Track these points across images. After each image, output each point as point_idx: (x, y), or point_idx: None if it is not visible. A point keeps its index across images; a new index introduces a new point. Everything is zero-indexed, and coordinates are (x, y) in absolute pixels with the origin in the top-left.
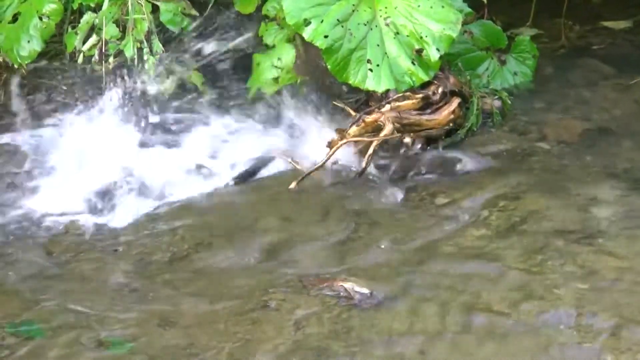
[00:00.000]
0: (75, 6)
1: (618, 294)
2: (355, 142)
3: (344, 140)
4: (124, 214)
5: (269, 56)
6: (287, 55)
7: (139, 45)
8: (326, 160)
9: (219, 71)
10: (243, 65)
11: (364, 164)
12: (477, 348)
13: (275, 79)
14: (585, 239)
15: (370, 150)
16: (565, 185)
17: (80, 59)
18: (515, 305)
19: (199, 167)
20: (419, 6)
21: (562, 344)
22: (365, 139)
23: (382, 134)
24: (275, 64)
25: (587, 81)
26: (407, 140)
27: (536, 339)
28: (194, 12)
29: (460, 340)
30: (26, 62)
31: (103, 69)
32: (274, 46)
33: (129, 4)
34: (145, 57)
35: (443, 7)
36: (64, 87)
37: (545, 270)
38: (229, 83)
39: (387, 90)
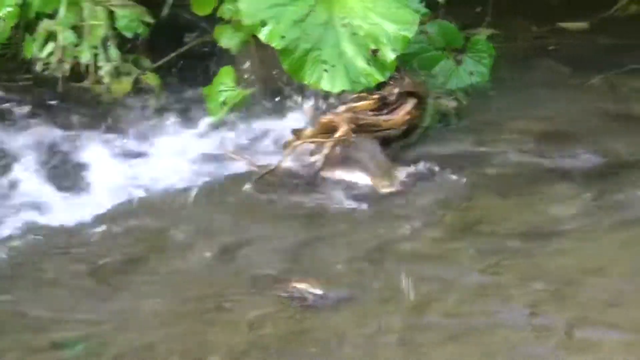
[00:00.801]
0: (31, 15)
1: (573, 294)
2: (312, 142)
3: (300, 141)
4: (79, 215)
5: (214, 84)
6: (229, 76)
7: (94, 50)
8: (281, 161)
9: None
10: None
11: (319, 165)
12: (432, 349)
13: (223, 102)
14: (541, 239)
15: (325, 151)
16: (521, 186)
17: (39, 66)
18: (471, 306)
19: (154, 168)
20: (375, 7)
21: (516, 344)
22: (320, 139)
23: (337, 134)
24: (220, 88)
25: (544, 82)
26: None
27: (491, 339)
28: (149, 19)
29: (415, 342)
30: None
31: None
32: (215, 75)
33: (85, 10)
34: (100, 63)
35: (399, 7)
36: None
37: (500, 271)
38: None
39: (343, 91)
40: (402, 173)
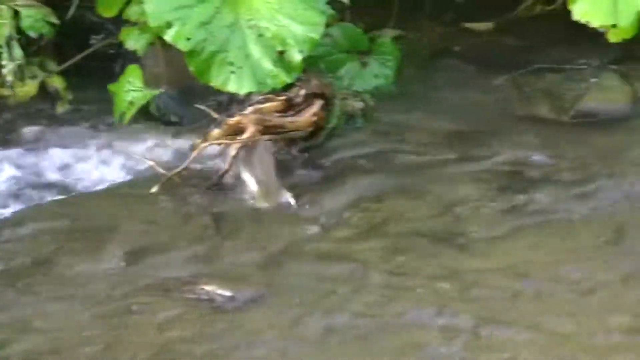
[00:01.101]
0: None
1: (479, 294)
2: (219, 144)
3: (206, 143)
4: None
5: (120, 83)
6: (136, 75)
7: None
8: (188, 163)
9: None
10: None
11: (226, 166)
12: (340, 349)
13: (131, 103)
14: (447, 240)
15: (232, 153)
16: (428, 187)
17: None
18: (378, 306)
19: (61, 171)
20: (281, 8)
21: (424, 344)
22: (227, 141)
23: (244, 136)
24: (127, 87)
25: (450, 82)
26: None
27: (398, 339)
28: (53, 19)
29: (323, 342)
30: None
31: None
32: (124, 68)
33: None
34: (4, 63)
35: (306, 9)
36: None
37: (407, 271)
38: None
39: (250, 93)
40: (309, 174)
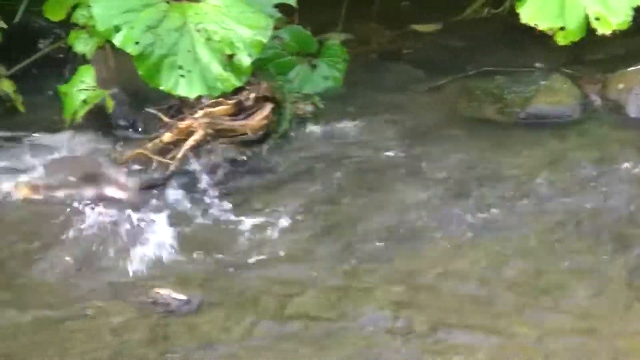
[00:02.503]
0: None
1: (434, 296)
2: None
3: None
4: None
5: (72, 83)
6: (88, 75)
7: None
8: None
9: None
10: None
11: (172, 168)
12: (294, 353)
13: (84, 101)
14: (401, 242)
15: (179, 155)
16: (380, 189)
17: None
18: (332, 309)
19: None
20: (229, 12)
21: (379, 346)
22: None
23: (192, 138)
24: (80, 87)
25: (398, 85)
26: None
27: (353, 342)
28: (1, 23)
29: (277, 345)
30: None
31: None
32: (73, 72)
33: None
34: None
35: (253, 12)
36: None
37: (361, 274)
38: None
39: (200, 97)
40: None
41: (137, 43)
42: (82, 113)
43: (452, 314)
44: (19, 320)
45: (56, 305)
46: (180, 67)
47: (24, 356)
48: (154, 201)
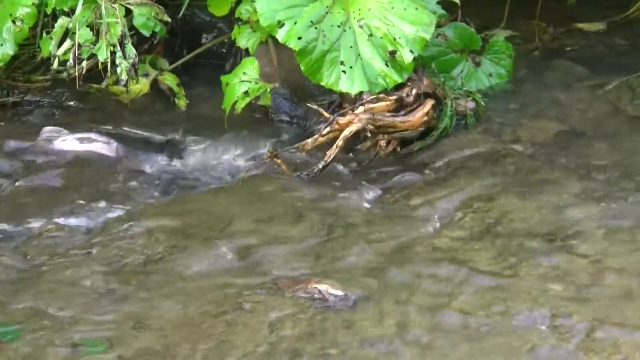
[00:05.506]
0: (49, 11)
1: (593, 295)
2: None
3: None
4: (98, 216)
5: (234, 73)
6: (252, 67)
7: (112, 49)
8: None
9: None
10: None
11: (327, 160)
12: (451, 349)
13: (245, 92)
14: (559, 240)
15: (339, 143)
16: (539, 187)
17: (55, 64)
18: (488, 306)
19: (170, 169)
20: (392, 8)
21: (536, 344)
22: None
23: (348, 129)
24: (242, 78)
25: (561, 83)
26: (382, 142)
27: (509, 339)
28: (166, 17)
29: (434, 342)
30: None
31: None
32: (237, 64)
33: (102, 7)
34: (117, 61)
35: (417, 9)
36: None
37: (519, 273)
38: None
39: (361, 92)
40: (420, 174)
41: (300, 38)
42: (242, 105)
43: (612, 311)
44: (178, 312)
45: (214, 298)
46: (342, 63)
47: (180, 347)
48: (308, 192)
